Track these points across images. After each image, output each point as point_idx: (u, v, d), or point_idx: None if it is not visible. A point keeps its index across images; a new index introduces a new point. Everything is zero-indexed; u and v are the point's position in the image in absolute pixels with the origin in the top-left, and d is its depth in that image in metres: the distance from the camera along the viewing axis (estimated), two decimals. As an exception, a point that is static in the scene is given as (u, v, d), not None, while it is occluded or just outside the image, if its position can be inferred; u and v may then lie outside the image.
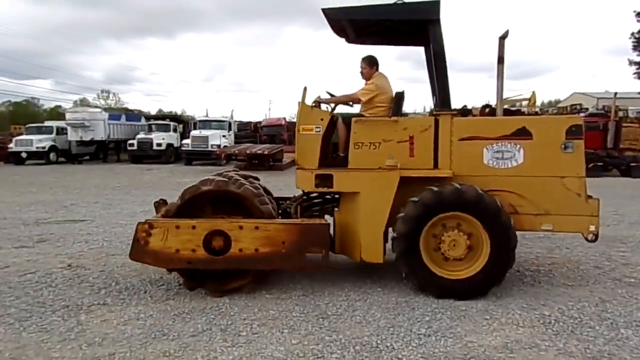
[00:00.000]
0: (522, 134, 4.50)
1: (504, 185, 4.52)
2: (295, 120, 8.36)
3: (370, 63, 5.06)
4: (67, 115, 26.46)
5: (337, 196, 4.98)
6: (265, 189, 5.15)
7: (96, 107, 43.77)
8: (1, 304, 4.28)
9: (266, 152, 19.44)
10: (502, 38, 5.09)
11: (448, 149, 4.57)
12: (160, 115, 34.36)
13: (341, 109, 5.36)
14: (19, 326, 3.79)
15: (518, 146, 4.50)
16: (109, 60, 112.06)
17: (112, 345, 3.47)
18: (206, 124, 25.15)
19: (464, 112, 5.00)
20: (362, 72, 5.11)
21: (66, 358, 3.27)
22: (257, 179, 5.31)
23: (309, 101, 4.88)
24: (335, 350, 3.36)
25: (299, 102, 4.83)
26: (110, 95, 67.11)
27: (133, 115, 30.60)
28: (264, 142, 23.98)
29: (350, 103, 5.20)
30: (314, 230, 4.43)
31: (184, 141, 23.90)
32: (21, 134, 27.61)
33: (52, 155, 24.54)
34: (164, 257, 4.33)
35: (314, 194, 5.21)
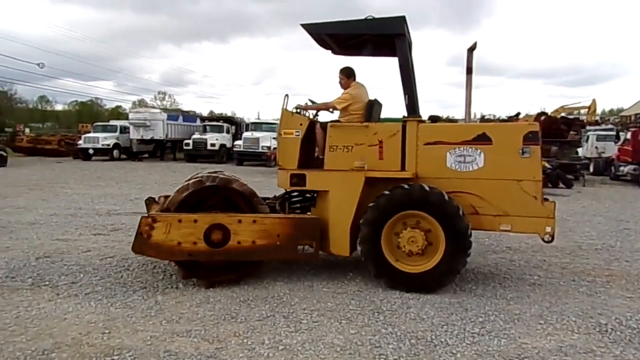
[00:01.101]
0: (482, 139, 4.74)
1: (465, 187, 4.78)
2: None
3: (347, 74, 5.39)
4: (130, 115, 28.17)
5: (315, 194, 5.29)
6: None
7: (153, 107, 46.07)
8: (90, 282, 4.81)
9: (315, 155, 19.79)
10: (470, 50, 5.35)
11: (414, 152, 4.87)
12: (215, 117, 35.69)
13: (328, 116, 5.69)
14: (106, 302, 4.27)
15: (479, 151, 4.73)
16: (166, 64, 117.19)
17: (188, 323, 3.85)
18: (257, 126, 25.92)
19: (434, 119, 5.66)
20: (340, 82, 5.42)
21: (149, 331, 3.68)
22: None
23: (290, 108, 5.26)
24: (391, 341, 3.57)
25: (281, 109, 5.21)
26: (166, 97, 70.35)
27: (189, 116, 32.03)
28: (313, 145, 24.32)
29: (331, 110, 5.50)
30: (306, 224, 4.84)
31: (236, 142, 24.77)
32: (88, 131, 29.67)
33: (115, 152, 26.21)
34: (165, 249, 4.55)
35: (295, 193, 5.63)
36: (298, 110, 5.31)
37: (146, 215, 4.64)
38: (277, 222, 4.73)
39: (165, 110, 35.96)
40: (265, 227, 4.67)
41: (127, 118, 29.25)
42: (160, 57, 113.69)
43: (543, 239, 4.73)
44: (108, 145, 25.82)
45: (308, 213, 5.37)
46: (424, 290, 4.60)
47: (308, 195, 5.61)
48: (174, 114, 30.58)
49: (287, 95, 5.23)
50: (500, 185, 4.71)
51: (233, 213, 4.81)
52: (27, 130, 43.18)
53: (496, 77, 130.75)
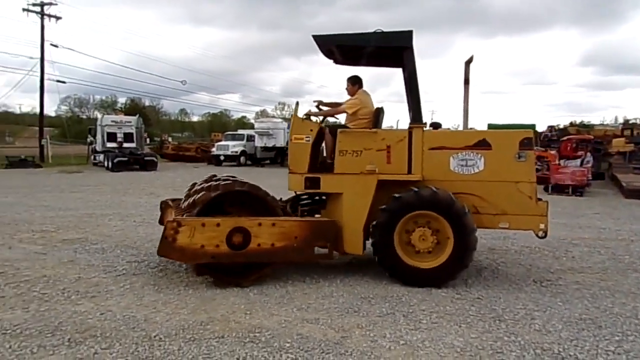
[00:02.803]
0: (482, 144, 5.10)
1: (467, 188, 5.12)
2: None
3: (353, 82, 5.76)
4: (256, 125, 30.73)
5: (324, 197, 5.54)
6: None
7: (273, 117, 49.34)
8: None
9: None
10: (468, 63, 5.72)
11: (420, 157, 5.18)
12: (329, 125, 36.95)
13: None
14: (246, 289, 4.88)
15: (479, 155, 5.11)
16: (286, 76, 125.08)
17: (316, 312, 4.26)
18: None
19: (435, 125, 5.86)
20: (347, 89, 5.79)
21: (283, 316, 4.16)
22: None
23: (301, 114, 5.51)
24: (514, 349, 3.54)
25: (292, 115, 5.48)
26: (285, 107, 74.78)
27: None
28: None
29: (336, 116, 5.89)
30: (322, 226, 5.06)
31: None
32: (220, 140, 33.00)
33: (242, 159, 28.77)
34: (190, 252, 4.67)
35: (304, 196, 5.85)
36: (308, 117, 5.56)
37: (172, 219, 4.78)
38: (295, 225, 4.95)
39: (285, 119, 38.30)
40: (283, 229, 4.88)
41: (251, 127, 31.83)
42: (282, 70, 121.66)
43: (537, 235, 5.11)
44: (236, 152, 28.47)
45: (317, 215, 5.61)
46: (435, 284, 4.91)
47: (317, 197, 5.82)
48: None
49: (297, 102, 5.55)
50: (499, 186, 5.10)
51: (251, 216, 4.97)
52: (169, 139, 49.52)
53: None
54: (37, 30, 29.94)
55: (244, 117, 74.84)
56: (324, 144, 5.83)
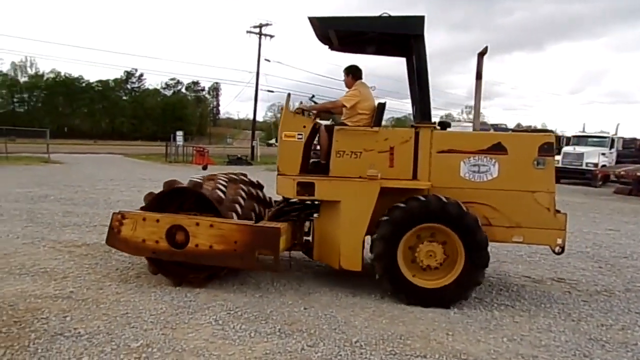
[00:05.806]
0: (497, 149, 4.63)
1: (478, 197, 4.64)
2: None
3: (350, 72, 5.19)
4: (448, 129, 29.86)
5: (317, 202, 4.93)
6: (252, 195, 5.34)
7: (459, 121, 47.23)
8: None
9: (666, 176, 15.66)
10: (481, 55, 5.25)
11: (427, 160, 4.67)
12: (524, 129, 33.55)
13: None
14: (449, 308, 4.53)
15: (493, 160, 4.64)
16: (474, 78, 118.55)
17: (532, 348, 3.64)
18: (582, 139, 22.71)
19: (444, 125, 4.67)
20: (344, 81, 5.22)
21: (491, 345, 3.67)
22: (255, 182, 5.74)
23: (292, 108, 4.99)
24: None
25: (281, 108, 4.98)
26: (472, 110, 70.95)
27: (499, 128, 31.24)
28: (653, 164, 19.40)
29: (332, 111, 5.37)
30: (264, 233, 4.51)
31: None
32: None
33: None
34: (132, 245, 4.69)
35: (294, 200, 5.13)
36: (301, 111, 4.96)
37: (117, 211, 4.83)
38: (234, 229, 4.52)
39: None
40: (222, 232, 4.52)
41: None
42: (469, 72, 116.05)
43: (553, 251, 4.70)
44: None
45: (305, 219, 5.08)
46: (443, 304, 4.39)
47: (308, 202, 5.10)
48: (486, 127, 30.44)
49: (289, 94, 5.02)
50: (514, 196, 4.66)
51: (194, 215, 4.74)
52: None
53: None
54: (254, 49, 35.01)
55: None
56: (317, 143, 5.29)
